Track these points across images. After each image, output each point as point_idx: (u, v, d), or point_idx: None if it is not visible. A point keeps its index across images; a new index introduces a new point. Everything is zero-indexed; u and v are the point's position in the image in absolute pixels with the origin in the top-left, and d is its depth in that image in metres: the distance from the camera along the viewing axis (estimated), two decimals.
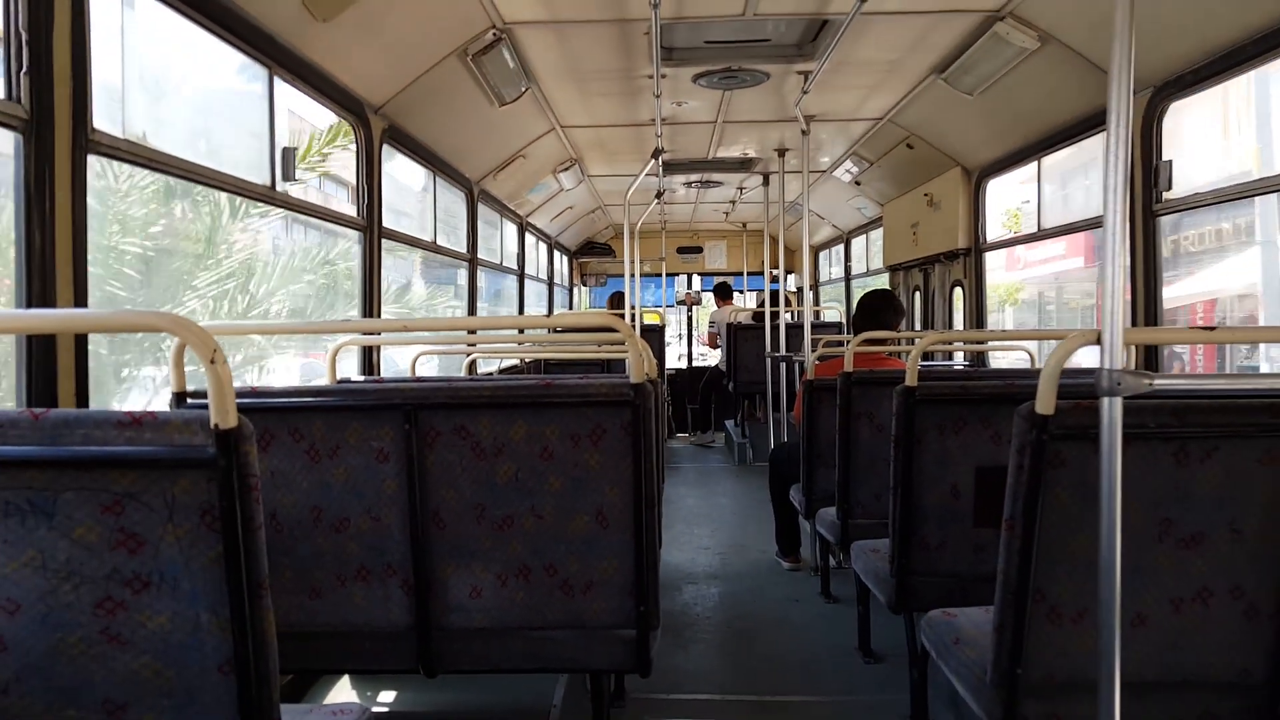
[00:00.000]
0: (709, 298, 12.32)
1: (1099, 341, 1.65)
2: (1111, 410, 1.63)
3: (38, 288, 2.03)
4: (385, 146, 4.23)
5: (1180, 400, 1.83)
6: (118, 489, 1.25)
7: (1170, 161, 3.63)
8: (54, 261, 2.06)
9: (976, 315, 5.93)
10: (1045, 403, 1.77)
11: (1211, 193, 3.51)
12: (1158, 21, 3.22)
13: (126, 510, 1.26)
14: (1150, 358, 3.79)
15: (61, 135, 2.08)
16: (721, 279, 11.35)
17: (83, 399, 2.15)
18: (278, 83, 3.23)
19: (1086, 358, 1.82)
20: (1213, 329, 1.81)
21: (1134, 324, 3.77)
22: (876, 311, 4.37)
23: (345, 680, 3.12)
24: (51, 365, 2.07)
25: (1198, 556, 1.87)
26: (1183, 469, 1.84)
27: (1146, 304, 3.74)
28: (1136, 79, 1.61)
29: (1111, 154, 1.62)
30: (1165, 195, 3.65)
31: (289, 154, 3.30)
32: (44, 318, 1.69)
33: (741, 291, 11.66)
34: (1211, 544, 1.87)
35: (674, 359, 12.12)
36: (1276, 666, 1.92)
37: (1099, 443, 1.64)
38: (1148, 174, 3.67)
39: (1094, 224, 4.78)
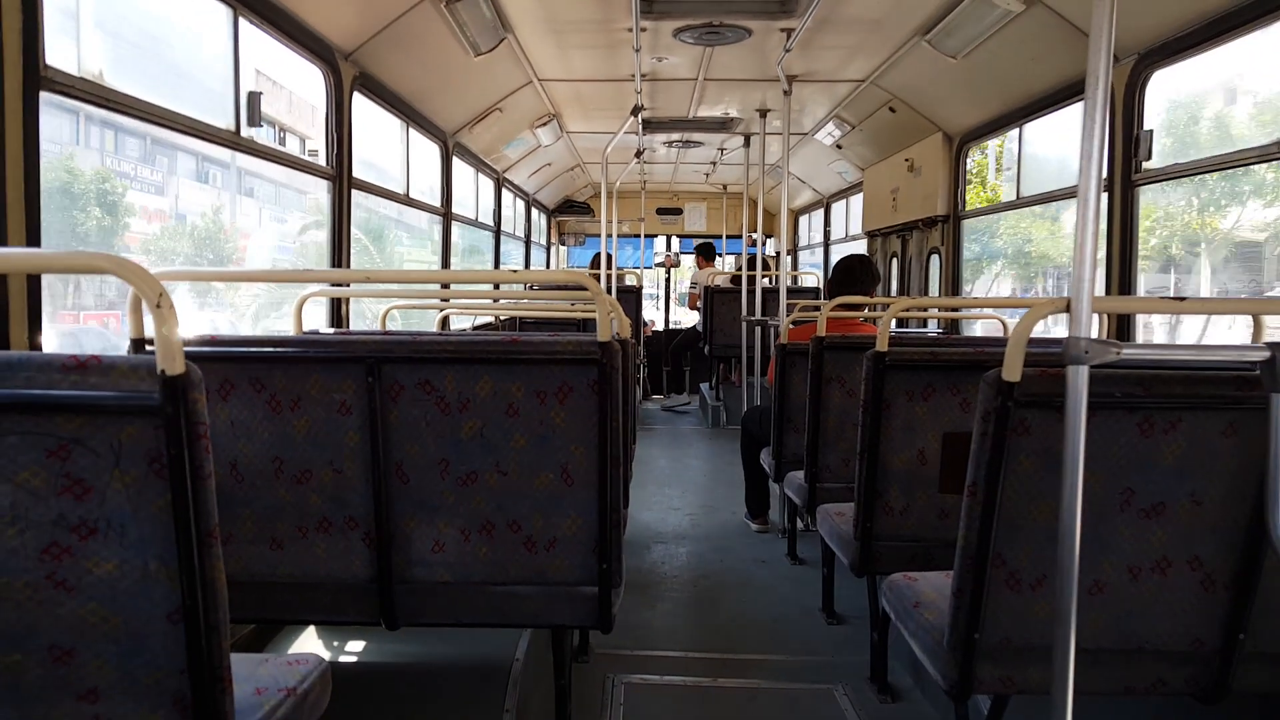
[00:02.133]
0: (688, 260, 12.28)
1: (1068, 309, 1.64)
2: (1077, 379, 1.62)
3: None
4: (356, 94, 4.13)
5: (1146, 370, 1.84)
6: (63, 434, 1.22)
7: (1151, 131, 3.61)
8: (4, 201, 1.99)
9: (953, 283, 5.93)
10: (1011, 370, 1.76)
11: (1191, 163, 3.51)
12: None
13: (73, 455, 1.23)
14: (1123, 329, 3.81)
15: (10, 70, 2.00)
16: (703, 240, 11.30)
17: (35, 343, 2.09)
18: (243, 23, 3.13)
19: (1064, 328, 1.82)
20: (1183, 299, 1.81)
21: (1109, 294, 3.79)
22: (852, 276, 4.35)
23: (308, 631, 3.11)
24: (3, 307, 2.01)
25: (1158, 526, 1.89)
26: (1146, 439, 1.84)
27: (1121, 274, 3.75)
28: (1120, 47, 1.59)
29: (1089, 120, 1.60)
30: (1145, 165, 3.64)
31: (255, 98, 3.21)
32: None
33: (721, 255, 11.62)
34: (1172, 514, 1.89)
35: (652, 320, 12.08)
36: (1229, 636, 1.95)
37: (1064, 411, 1.64)
38: (1128, 143, 3.66)
39: (1073, 193, 4.77)
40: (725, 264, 11.69)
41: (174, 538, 1.25)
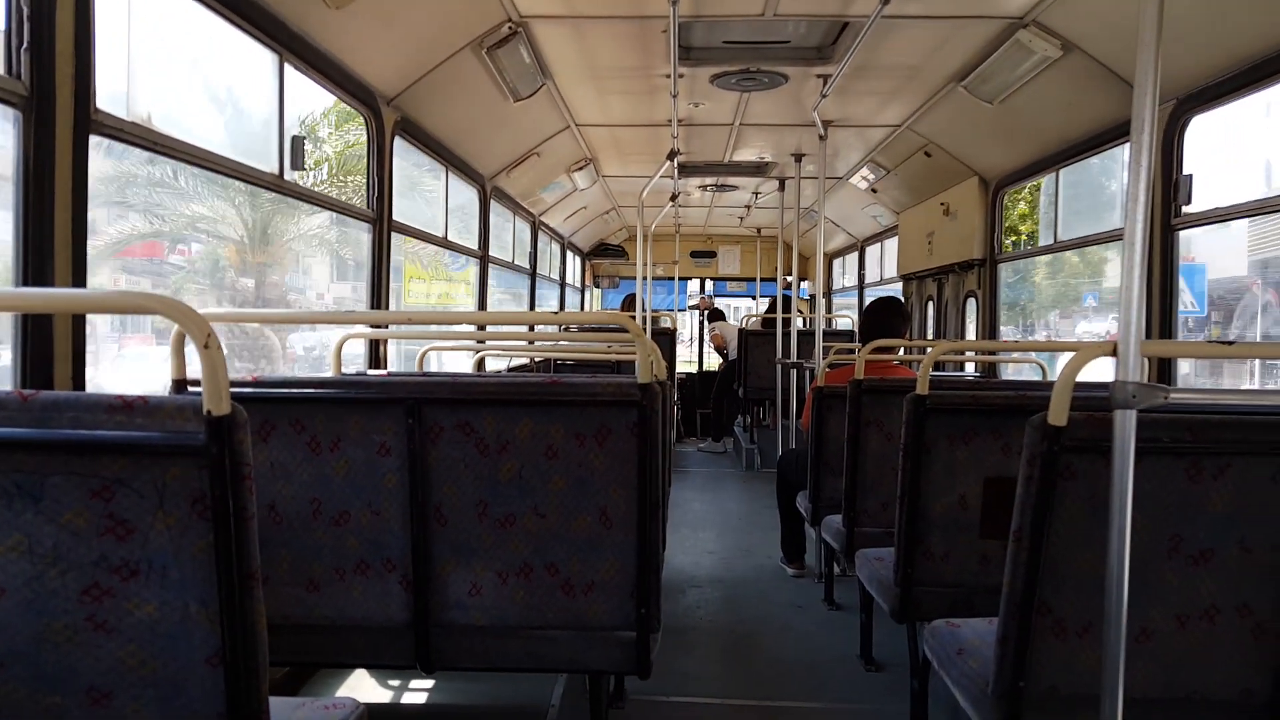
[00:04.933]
0: (720, 303, 12.38)
1: (1115, 353, 1.62)
2: (1125, 423, 1.60)
3: (35, 268, 2.01)
4: (397, 139, 4.21)
5: (1195, 415, 1.80)
6: (107, 474, 1.23)
7: (1190, 176, 3.58)
8: (53, 242, 2.04)
9: (990, 326, 5.87)
10: (1058, 414, 1.74)
11: (1231, 207, 3.46)
12: (1182, 33, 3.17)
13: (116, 496, 1.23)
14: (1163, 372, 3.74)
15: (63, 114, 2.06)
16: (712, 307, 11.66)
17: (79, 382, 2.13)
18: (288, 70, 3.21)
19: (1097, 371, 1.79)
20: (1230, 343, 1.78)
21: (1149, 338, 3.73)
22: (883, 318, 4.38)
23: (343, 675, 3.10)
24: (48, 347, 2.05)
25: (1206, 573, 1.85)
26: (1195, 485, 1.81)
27: (1162, 317, 3.69)
28: (1159, 91, 1.58)
29: (1135, 165, 1.59)
30: (1184, 209, 3.60)
31: (298, 142, 3.28)
32: (34, 296, 1.66)
33: (754, 298, 11.69)
34: (1220, 561, 1.84)
35: (684, 363, 12.08)
36: (1279, 686, 1.88)
37: (1111, 456, 1.61)
38: (1167, 187, 3.63)
39: (1114, 236, 4.73)
40: (758, 306, 11.75)
41: (215, 580, 1.24)
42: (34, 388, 1.90)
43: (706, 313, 11.60)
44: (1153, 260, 3.69)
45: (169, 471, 1.23)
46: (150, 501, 1.24)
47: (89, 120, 2.15)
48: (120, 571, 1.26)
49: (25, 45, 1.97)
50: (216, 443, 1.20)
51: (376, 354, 4.11)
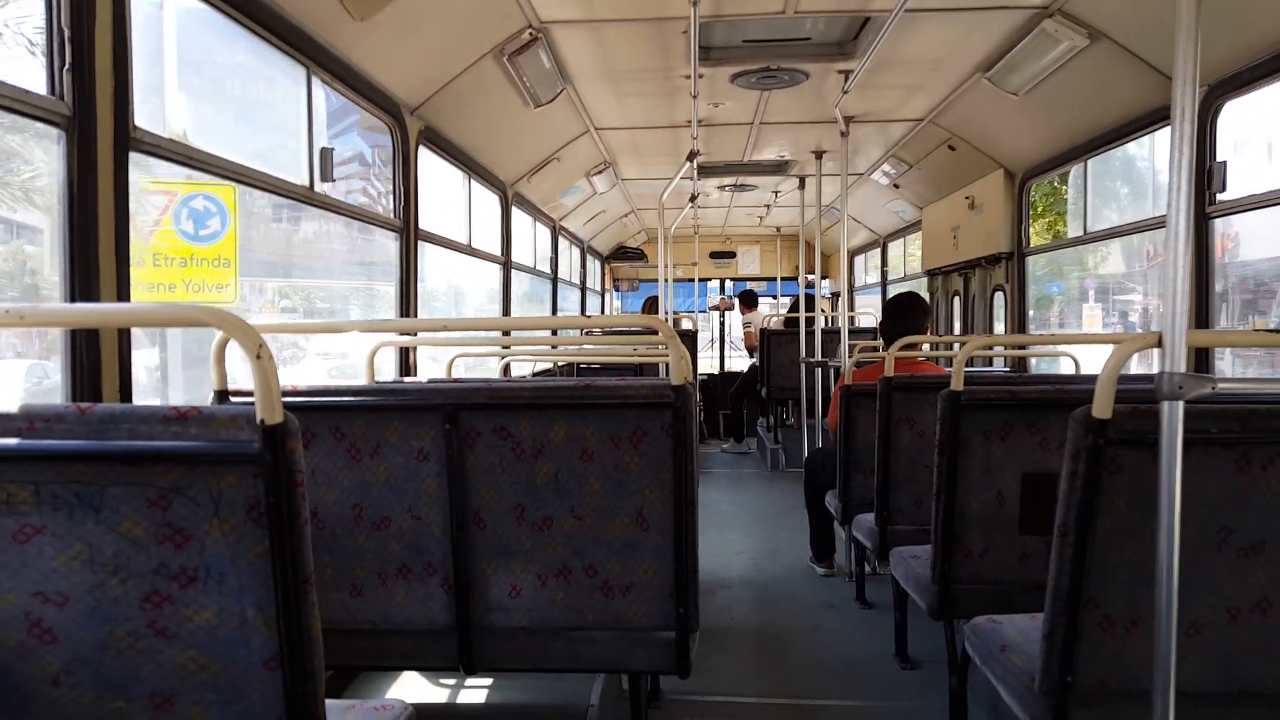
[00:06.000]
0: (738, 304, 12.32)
1: (1160, 344, 1.60)
2: (1172, 415, 1.59)
3: (80, 283, 2.05)
4: (421, 148, 4.24)
5: (1243, 405, 1.78)
6: (164, 484, 1.25)
7: (1225, 163, 3.54)
8: (97, 257, 2.08)
9: (1019, 320, 5.83)
10: (1103, 407, 1.72)
11: (1267, 194, 3.41)
12: (1213, 17, 3.13)
13: (173, 505, 1.25)
14: (1201, 362, 3.70)
15: (104, 132, 2.10)
16: (748, 286, 11.38)
17: (126, 393, 2.16)
18: (315, 83, 3.25)
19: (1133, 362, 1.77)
20: (1277, 331, 1.75)
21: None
22: (905, 314, 4.36)
23: (386, 677, 3.13)
24: (96, 360, 2.08)
25: (1257, 565, 1.83)
26: (1244, 475, 1.79)
27: (1198, 307, 3.65)
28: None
29: (1175, 153, 1.58)
30: (1219, 197, 3.56)
31: (327, 154, 3.31)
32: (86, 312, 1.70)
33: (775, 297, 11.62)
34: (1272, 553, 1.82)
35: (706, 364, 12.06)
36: None
37: (1158, 448, 1.60)
38: (1201, 175, 3.59)
39: (1146, 226, 4.68)
40: (779, 306, 11.68)
41: (271, 585, 1.26)
42: (83, 400, 1.94)
43: (739, 301, 11.20)
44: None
45: (224, 479, 1.25)
46: (206, 509, 1.26)
47: (129, 138, 2.18)
48: (179, 579, 1.27)
49: (67, 66, 2.00)
50: (271, 451, 1.21)
51: (407, 361, 4.14)
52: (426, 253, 4.37)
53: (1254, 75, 3.31)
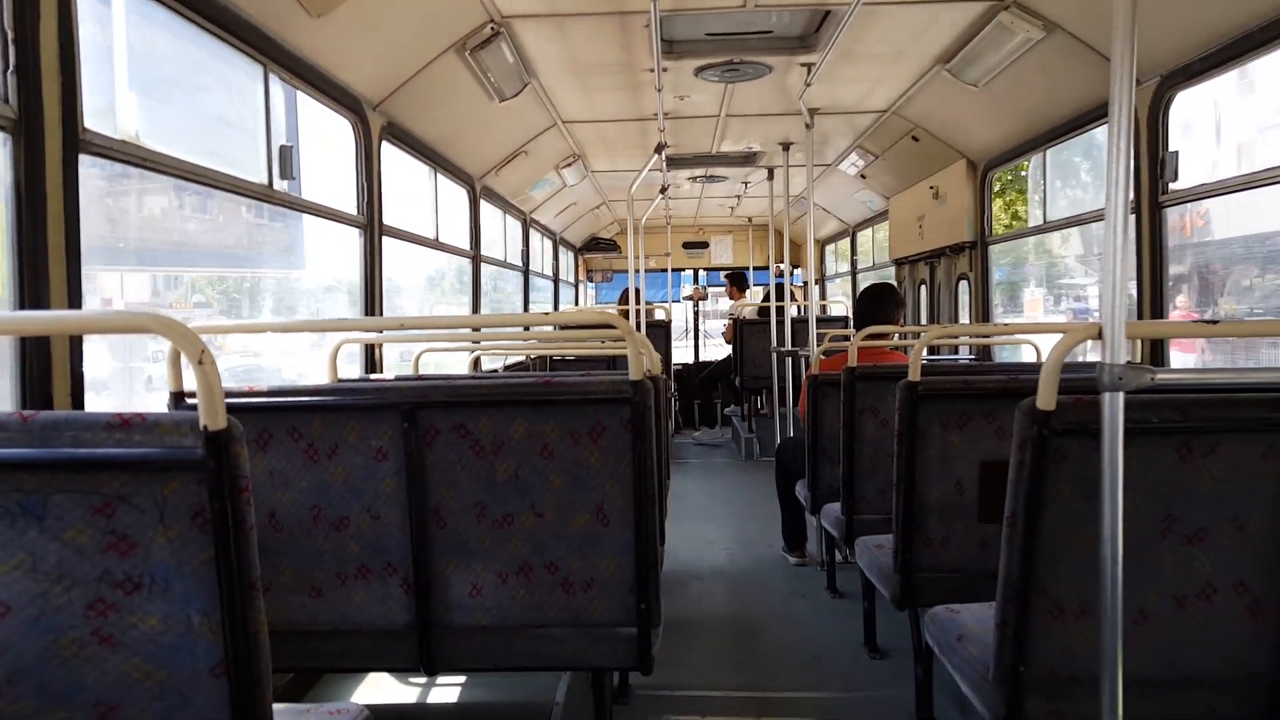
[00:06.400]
0: (714, 292, 12.30)
1: (1100, 336, 1.63)
2: (1113, 405, 1.61)
3: (30, 289, 2.03)
4: (384, 143, 4.22)
5: (1183, 395, 1.81)
6: (108, 491, 1.24)
7: (1176, 153, 3.59)
8: (47, 263, 2.05)
9: (982, 309, 5.90)
10: (1046, 398, 1.75)
11: (1218, 183, 3.47)
12: (1164, 9, 3.19)
13: (118, 512, 1.25)
14: (1156, 352, 3.76)
15: (51, 135, 2.07)
16: (734, 270, 11.27)
17: (78, 401, 2.14)
18: (273, 80, 3.22)
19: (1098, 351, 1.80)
20: (1216, 322, 1.79)
21: (1140, 317, 3.74)
22: (877, 304, 4.37)
23: (349, 680, 3.12)
24: (46, 367, 2.06)
25: (1201, 553, 1.86)
26: (1186, 464, 1.82)
27: (1153, 297, 3.71)
28: (1142, 68, 1.59)
29: (1114, 145, 1.60)
30: (1171, 186, 3.61)
31: (287, 152, 3.29)
32: (27, 320, 1.69)
33: (748, 286, 11.64)
34: (1215, 540, 1.85)
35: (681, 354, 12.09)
36: None
37: (1100, 438, 1.62)
38: (1154, 165, 3.64)
39: (1100, 216, 4.74)
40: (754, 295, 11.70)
41: (217, 591, 1.26)
42: (33, 408, 1.92)
43: (729, 283, 10.77)
44: (1141, 239, 3.70)
45: (168, 486, 1.24)
46: (151, 516, 1.25)
47: (78, 140, 2.16)
48: (123, 586, 1.27)
49: (11, 68, 1.98)
50: (214, 457, 1.21)
51: (372, 359, 4.12)
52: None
53: (1204, 66, 3.36)
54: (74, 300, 2.13)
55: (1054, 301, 9.09)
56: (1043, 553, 1.83)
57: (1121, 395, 1.60)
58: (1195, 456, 1.81)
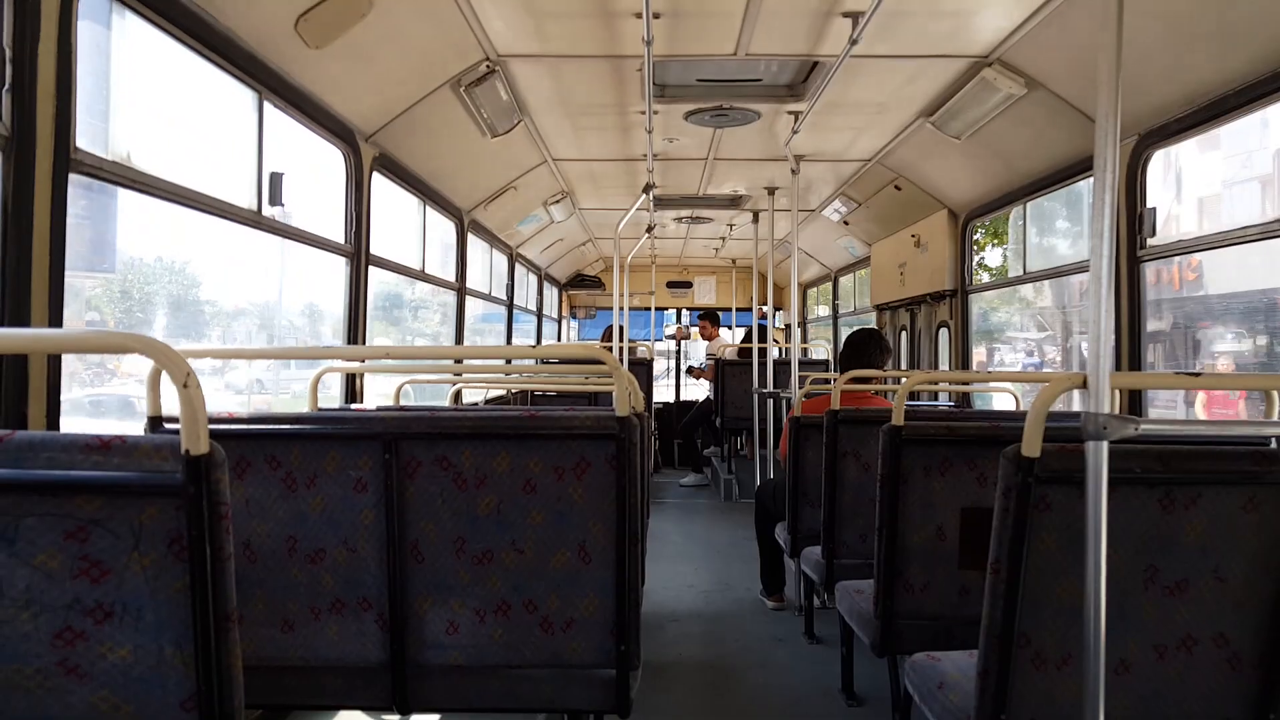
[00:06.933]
0: (696, 332, 12.32)
1: (1085, 385, 1.65)
2: (1097, 454, 1.62)
3: (11, 307, 2.00)
4: (375, 174, 4.23)
5: (1165, 445, 1.83)
6: (83, 515, 1.21)
7: (1154, 209, 3.66)
8: (29, 281, 2.03)
9: (962, 356, 5.95)
10: (1031, 445, 1.76)
11: (1195, 239, 3.54)
12: (1142, 70, 3.27)
13: (91, 537, 1.22)
14: (1134, 403, 3.80)
15: (43, 154, 2.06)
16: (708, 310, 11.29)
17: (54, 422, 2.11)
18: (267, 107, 3.23)
19: (1074, 399, 1.82)
20: (1198, 374, 1.82)
21: (1117, 368, 3.78)
22: (863, 349, 4.38)
23: (317, 717, 3.05)
24: (23, 386, 2.03)
25: (1182, 604, 1.86)
26: (1168, 515, 1.83)
27: (1130, 348, 3.76)
28: (1120, 127, 1.62)
29: (1099, 201, 1.63)
30: (1149, 241, 3.68)
31: (277, 179, 3.29)
32: (4, 336, 1.66)
33: (730, 327, 11.67)
34: (1196, 591, 1.86)
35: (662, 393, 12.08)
36: (1259, 715, 1.90)
37: (1084, 487, 1.63)
38: (1132, 220, 3.71)
39: (1081, 268, 4.82)
40: (734, 336, 11.72)
41: (191, 621, 1.22)
42: (8, 427, 1.89)
43: (701, 323, 10.56)
44: (1120, 292, 3.76)
45: (146, 511, 1.21)
46: (126, 542, 1.22)
47: (69, 160, 2.15)
48: (94, 614, 1.23)
49: (7, 86, 1.97)
50: (194, 482, 1.18)
51: (353, 388, 4.09)
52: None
53: (1181, 126, 3.45)
54: (55, 319, 2.10)
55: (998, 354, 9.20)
56: (1026, 600, 1.83)
57: (1106, 445, 1.61)
58: (1177, 508, 1.82)
